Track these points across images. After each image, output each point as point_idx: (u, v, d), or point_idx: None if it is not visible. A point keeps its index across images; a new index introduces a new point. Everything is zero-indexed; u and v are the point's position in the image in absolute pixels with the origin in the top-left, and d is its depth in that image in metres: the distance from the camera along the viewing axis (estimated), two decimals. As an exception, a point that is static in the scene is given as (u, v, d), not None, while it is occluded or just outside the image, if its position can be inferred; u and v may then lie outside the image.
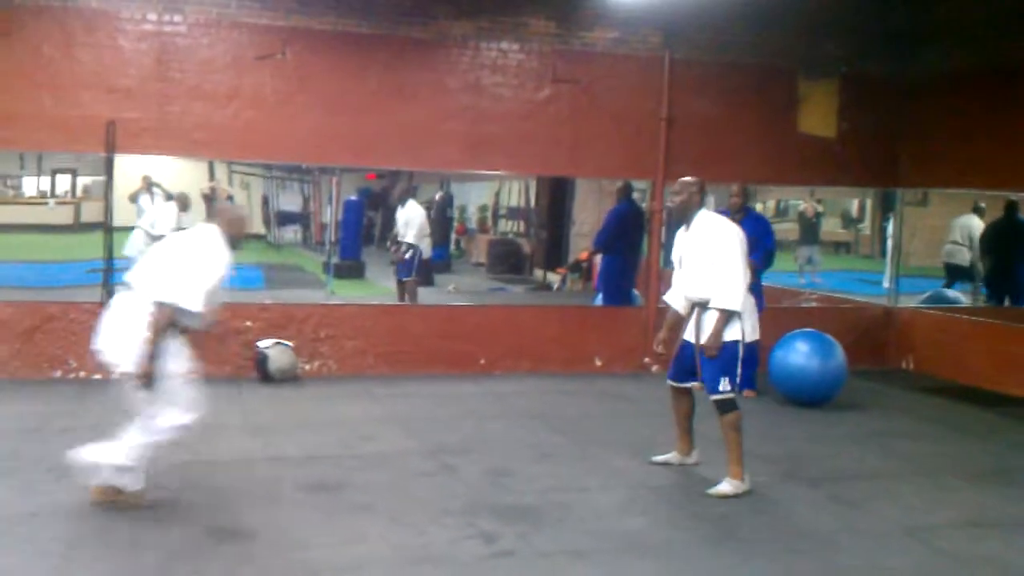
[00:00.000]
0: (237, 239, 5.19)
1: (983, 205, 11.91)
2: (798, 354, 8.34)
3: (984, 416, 8.48)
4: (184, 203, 11.54)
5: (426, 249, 11.42)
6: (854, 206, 17.95)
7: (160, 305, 4.85)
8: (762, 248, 8.38)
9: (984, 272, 11.73)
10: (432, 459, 6.36)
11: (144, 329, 4.83)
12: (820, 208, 15.61)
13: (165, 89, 8.35)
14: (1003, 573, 4.77)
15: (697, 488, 5.90)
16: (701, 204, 6.06)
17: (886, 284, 10.92)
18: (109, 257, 8.49)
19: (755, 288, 8.69)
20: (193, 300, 4.87)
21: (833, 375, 8.36)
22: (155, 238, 13.15)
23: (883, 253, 11.16)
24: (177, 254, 5.05)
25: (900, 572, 4.74)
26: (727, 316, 5.82)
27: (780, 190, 14.79)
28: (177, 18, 8.35)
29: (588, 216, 13.56)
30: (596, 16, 9.33)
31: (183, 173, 13.19)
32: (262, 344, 8.55)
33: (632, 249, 10.23)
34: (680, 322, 6.21)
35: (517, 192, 16.28)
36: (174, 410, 5.00)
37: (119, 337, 4.95)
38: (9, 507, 5.11)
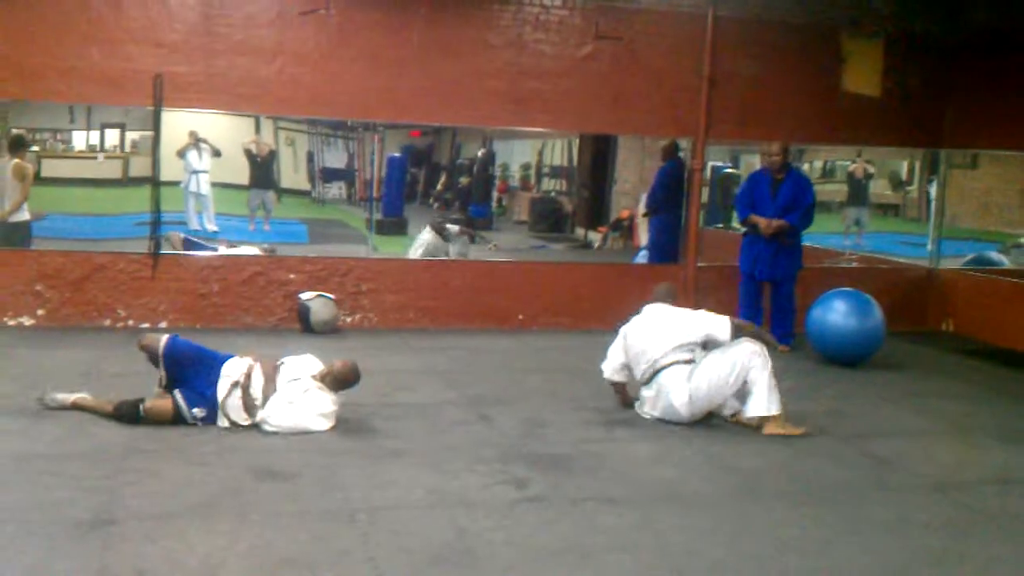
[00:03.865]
0: None
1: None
2: (836, 313, 8.29)
3: (1021, 378, 8.43)
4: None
5: None
6: (903, 168, 17.67)
7: None
8: (801, 206, 8.37)
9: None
10: (469, 409, 6.48)
11: None
12: (871, 169, 15.39)
13: (211, 44, 8.46)
14: (1028, 529, 4.80)
15: (734, 441, 5.98)
16: None
17: (929, 247, 10.81)
18: (156, 210, 8.66)
19: (794, 247, 8.71)
20: None
21: (870, 334, 8.32)
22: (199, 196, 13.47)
23: (929, 216, 11.02)
24: None
25: (927, 526, 4.77)
26: None
27: (827, 150, 14.61)
28: (223, -27, 8.44)
29: (630, 175, 13.53)
30: (640, -28, 9.28)
31: (229, 129, 13.31)
32: (304, 296, 8.71)
33: (681, 207, 10.12)
34: None
35: (560, 150, 16.25)
36: None
37: None
38: (62, 445, 5.31)
